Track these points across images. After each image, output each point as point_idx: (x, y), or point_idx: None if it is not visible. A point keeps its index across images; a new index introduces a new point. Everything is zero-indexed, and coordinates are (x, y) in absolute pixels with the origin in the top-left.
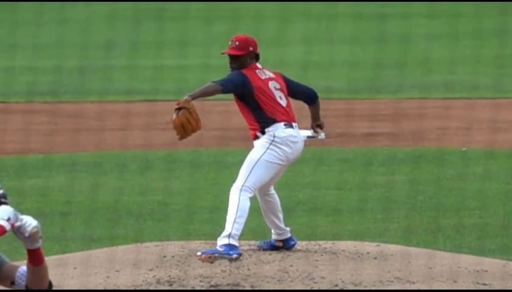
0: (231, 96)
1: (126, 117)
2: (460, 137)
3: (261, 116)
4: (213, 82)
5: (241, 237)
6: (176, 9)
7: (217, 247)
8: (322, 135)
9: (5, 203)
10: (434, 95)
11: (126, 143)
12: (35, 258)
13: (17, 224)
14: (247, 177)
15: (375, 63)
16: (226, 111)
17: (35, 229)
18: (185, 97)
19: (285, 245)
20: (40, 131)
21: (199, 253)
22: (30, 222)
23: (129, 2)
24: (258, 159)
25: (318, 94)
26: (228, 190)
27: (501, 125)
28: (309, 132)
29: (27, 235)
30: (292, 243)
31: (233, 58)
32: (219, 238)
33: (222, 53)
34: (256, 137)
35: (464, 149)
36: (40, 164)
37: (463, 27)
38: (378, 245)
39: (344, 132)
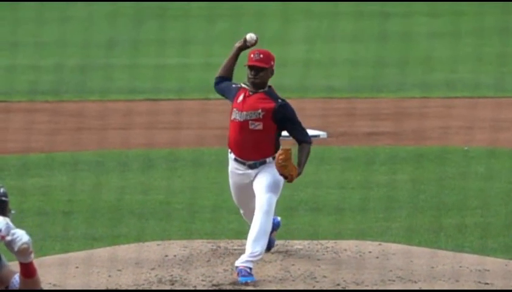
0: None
1: (128, 116)
2: (461, 136)
3: (278, 141)
4: (306, 142)
5: (243, 237)
6: (177, 7)
7: (247, 270)
8: (324, 134)
9: (5, 202)
10: (436, 94)
11: (128, 142)
12: (26, 272)
13: (8, 238)
14: (274, 202)
15: (377, 62)
16: (228, 110)
17: (24, 245)
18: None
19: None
20: (42, 130)
21: (241, 282)
22: (20, 237)
23: (131, 1)
24: (280, 185)
25: None
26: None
27: (503, 123)
28: (311, 132)
29: (16, 250)
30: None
31: (259, 71)
32: (248, 258)
33: (248, 65)
34: (264, 162)
35: (466, 148)
36: (42, 163)
37: (464, 25)
38: (380, 244)
39: (346, 131)
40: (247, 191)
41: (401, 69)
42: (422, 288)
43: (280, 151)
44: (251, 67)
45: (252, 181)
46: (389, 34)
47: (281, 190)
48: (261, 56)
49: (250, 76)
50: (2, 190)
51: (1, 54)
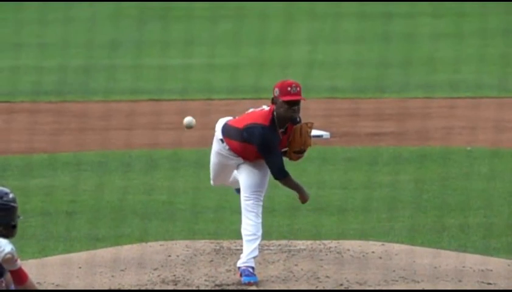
0: (235, 95)
1: (131, 116)
2: (464, 136)
3: None
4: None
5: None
6: (180, 8)
7: (250, 269)
8: (327, 134)
9: (14, 207)
10: (439, 95)
11: (130, 143)
12: (18, 278)
13: None
14: (261, 201)
15: (380, 62)
16: (231, 110)
17: (8, 256)
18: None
19: None
20: (45, 130)
21: (245, 282)
22: (3, 247)
23: (134, 1)
24: (266, 180)
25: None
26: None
27: (506, 124)
28: (314, 132)
29: (0, 260)
30: None
31: (299, 103)
32: (248, 257)
33: (292, 101)
34: None
35: (469, 148)
36: (45, 163)
37: (467, 26)
38: (383, 244)
39: (349, 131)
40: (227, 170)
41: (404, 70)
42: (425, 288)
43: (309, 124)
44: (295, 102)
45: (235, 162)
46: (392, 35)
47: (267, 183)
48: (298, 88)
49: (290, 110)
50: (11, 195)
51: (5, 55)
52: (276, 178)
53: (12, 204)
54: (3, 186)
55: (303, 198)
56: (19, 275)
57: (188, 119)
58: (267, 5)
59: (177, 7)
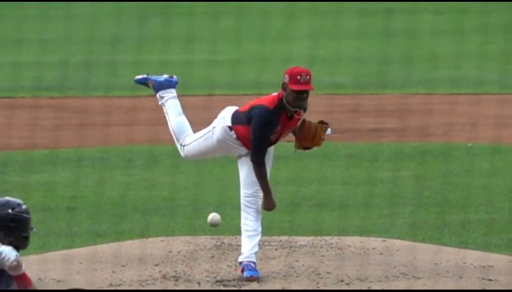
0: (237, 91)
1: (132, 112)
2: (466, 132)
3: None
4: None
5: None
6: (182, 4)
7: (252, 265)
8: (328, 130)
9: (27, 218)
10: (440, 91)
11: (132, 138)
12: (21, 283)
13: None
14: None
15: (381, 59)
16: (232, 105)
17: (14, 263)
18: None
19: None
20: (46, 126)
21: (247, 276)
22: (8, 256)
23: (134, 1)
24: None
25: None
26: (238, 188)
27: (507, 120)
28: None
29: (6, 268)
30: None
31: (308, 92)
32: (250, 252)
33: (302, 90)
34: None
35: (470, 145)
36: (46, 159)
37: (469, 22)
38: (384, 240)
39: (350, 127)
40: (222, 153)
41: (406, 66)
42: (426, 284)
43: (323, 127)
44: (304, 91)
45: (238, 152)
46: (394, 31)
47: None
48: (308, 77)
49: (298, 99)
50: (24, 206)
51: (6, 51)
52: (251, 160)
53: (25, 215)
54: (7, 192)
55: (268, 205)
56: (23, 281)
57: (214, 218)
58: (269, 1)
59: (178, 3)
